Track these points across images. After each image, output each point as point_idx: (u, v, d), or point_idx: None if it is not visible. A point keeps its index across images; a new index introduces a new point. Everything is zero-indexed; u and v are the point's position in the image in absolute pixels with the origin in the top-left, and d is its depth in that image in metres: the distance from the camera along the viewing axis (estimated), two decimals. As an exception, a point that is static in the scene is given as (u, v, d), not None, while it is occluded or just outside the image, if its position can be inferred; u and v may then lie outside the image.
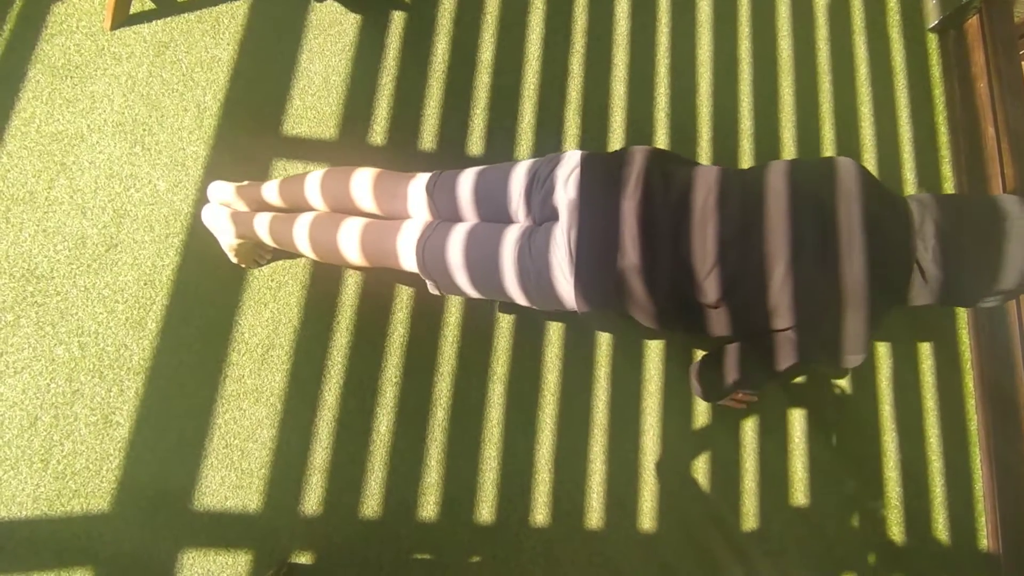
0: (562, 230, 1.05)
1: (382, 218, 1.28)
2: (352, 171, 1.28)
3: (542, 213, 1.12)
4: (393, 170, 1.31)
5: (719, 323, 1.07)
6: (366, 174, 1.27)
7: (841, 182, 0.99)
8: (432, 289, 1.22)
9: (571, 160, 1.09)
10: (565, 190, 1.07)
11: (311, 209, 1.34)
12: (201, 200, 1.51)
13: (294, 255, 1.50)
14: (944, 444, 1.56)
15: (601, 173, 1.07)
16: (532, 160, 1.16)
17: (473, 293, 1.18)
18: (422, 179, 1.24)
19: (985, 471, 1.55)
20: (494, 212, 1.18)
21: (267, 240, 1.33)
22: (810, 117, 1.77)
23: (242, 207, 1.41)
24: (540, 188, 1.11)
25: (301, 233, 1.27)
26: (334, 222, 1.25)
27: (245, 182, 1.42)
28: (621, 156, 1.10)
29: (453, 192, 1.19)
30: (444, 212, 1.21)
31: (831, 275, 0.96)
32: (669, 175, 1.06)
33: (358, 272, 1.51)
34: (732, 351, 1.19)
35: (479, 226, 1.15)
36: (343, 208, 1.30)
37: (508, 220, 1.18)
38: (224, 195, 1.40)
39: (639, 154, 1.09)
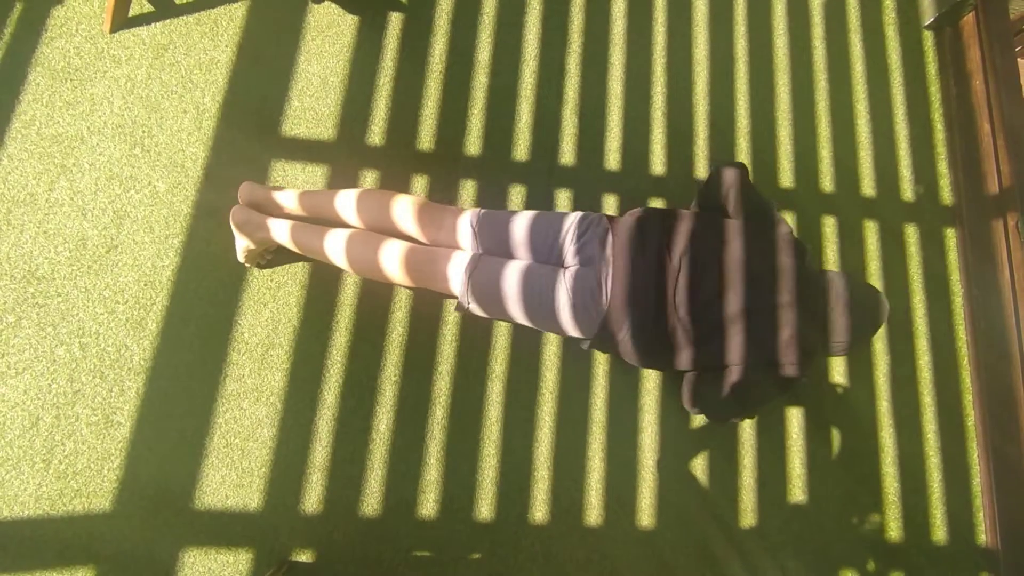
0: (604, 277, 1.28)
1: (424, 244, 1.41)
2: (392, 196, 1.40)
3: (580, 259, 1.33)
4: (393, 172, 1.38)
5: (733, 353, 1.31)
6: (408, 202, 1.39)
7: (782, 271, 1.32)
8: (462, 307, 1.36)
9: (604, 223, 1.34)
10: (603, 248, 1.30)
11: (340, 223, 1.43)
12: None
13: (294, 256, 1.50)
14: (942, 440, 1.56)
15: (634, 240, 1.30)
16: (577, 215, 1.36)
17: (520, 320, 1.37)
18: (468, 215, 1.39)
19: (983, 467, 1.55)
20: (538, 253, 1.37)
21: (289, 246, 1.40)
22: (806, 115, 1.78)
23: (268, 210, 1.45)
24: (580, 239, 1.33)
25: (335, 246, 1.36)
26: (375, 242, 1.36)
27: (273, 186, 1.47)
28: (651, 227, 1.32)
29: (502, 232, 1.37)
30: (488, 246, 1.38)
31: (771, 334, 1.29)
32: (696, 249, 1.32)
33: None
34: (735, 372, 1.33)
35: (533, 266, 1.34)
36: (380, 228, 1.41)
37: (548, 259, 1.37)
38: (253, 196, 1.43)
39: (671, 228, 1.34)
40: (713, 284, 1.28)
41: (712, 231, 1.33)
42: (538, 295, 1.30)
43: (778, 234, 1.37)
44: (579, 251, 1.32)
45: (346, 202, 1.39)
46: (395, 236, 1.40)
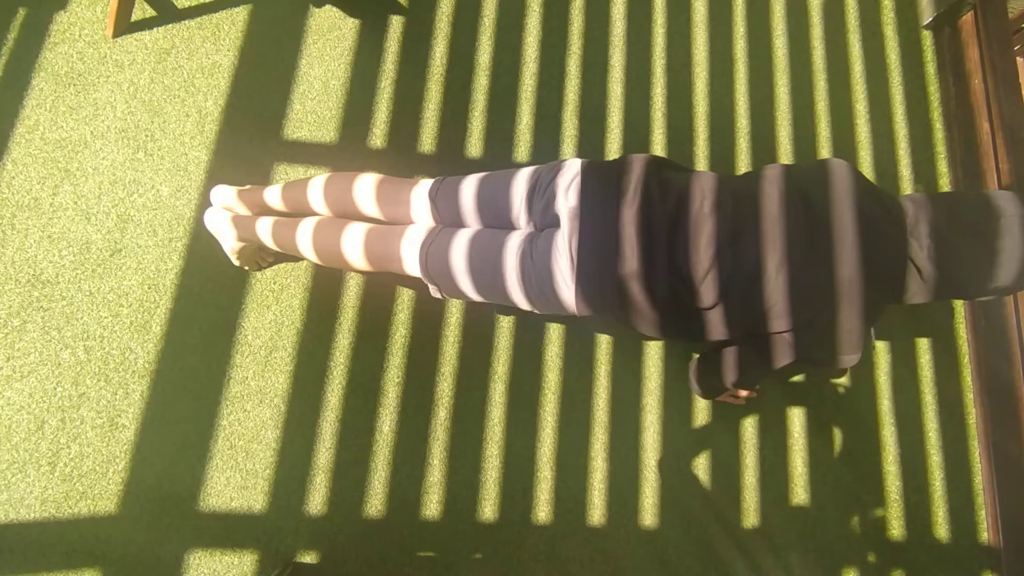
0: (563, 238, 1.07)
1: (385, 223, 1.29)
2: (355, 176, 1.30)
3: (543, 220, 1.14)
4: (395, 174, 1.33)
5: (717, 327, 1.07)
6: (369, 180, 1.28)
7: (834, 184, 1.01)
8: (434, 293, 1.24)
9: (571, 168, 1.12)
10: (566, 198, 1.09)
11: (314, 214, 1.35)
12: (204, 204, 1.52)
13: (296, 258, 1.51)
14: (943, 438, 1.57)
15: (601, 182, 1.08)
16: (533, 168, 1.18)
17: (476, 297, 1.20)
18: (425, 185, 1.25)
19: (984, 465, 1.56)
20: (496, 219, 1.20)
21: (270, 244, 1.35)
22: (806, 115, 1.79)
23: (244, 211, 1.42)
24: (541, 196, 1.13)
25: (304, 237, 1.28)
26: (337, 227, 1.26)
27: (247, 186, 1.44)
28: (620, 164, 1.11)
29: (456, 199, 1.21)
30: (447, 218, 1.23)
31: (825, 275, 0.97)
32: (666, 182, 1.08)
33: (360, 274, 1.53)
34: (730, 352, 1.21)
35: (482, 232, 1.17)
36: (346, 213, 1.32)
37: (510, 226, 1.20)
38: (226, 199, 1.42)
39: (637, 162, 1.10)
40: (745, 234, 1.01)
41: (738, 178, 1.11)
42: (486, 266, 1.12)
43: (828, 166, 1.03)
44: (541, 210, 1.12)
45: (315, 189, 1.32)
46: (359, 219, 1.29)
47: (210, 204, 1.48)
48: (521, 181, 1.16)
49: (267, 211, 1.42)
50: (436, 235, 1.19)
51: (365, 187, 1.27)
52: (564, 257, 1.06)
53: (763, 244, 1.00)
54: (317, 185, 1.32)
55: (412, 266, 1.21)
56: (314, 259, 1.32)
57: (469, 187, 1.21)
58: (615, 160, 1.14)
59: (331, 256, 1.28)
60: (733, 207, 1.04)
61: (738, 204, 1.04)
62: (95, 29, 1.63)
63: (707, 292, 1.03)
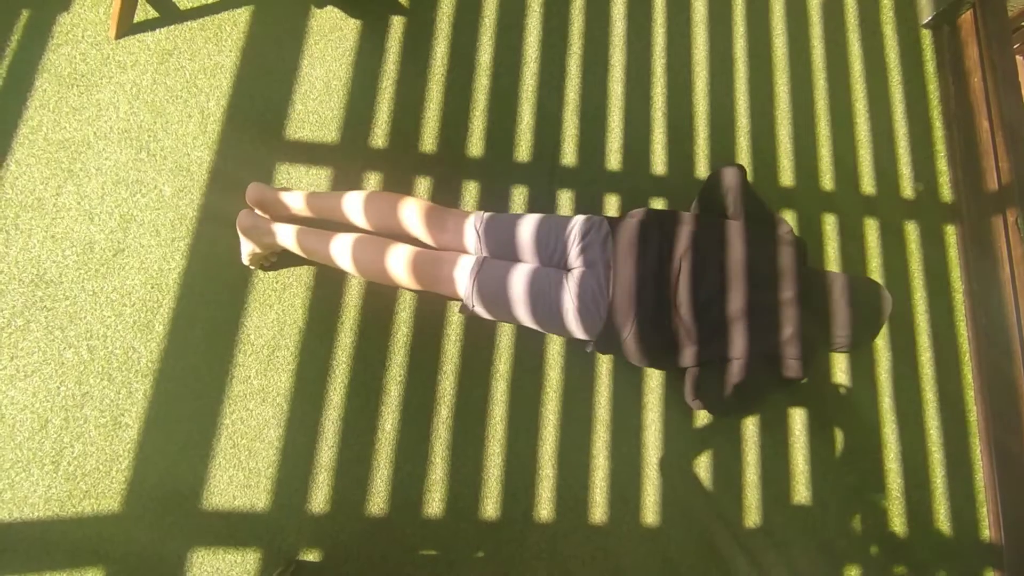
0: (600, 280, 1.30)
1: (427, 246, 1.43)
2: (399, 199, 1.41)
3: (581, 262, 1.34)
4: (396, 174, 1.41)
5: (737, 347, 1.33)
6: (415, 205, 1.40)
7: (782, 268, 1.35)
8: (466, 308, 1.38)
9: (604, 226, 1.35)
10: (603, 250, 1.33)
11: (346, 225, 1.44)
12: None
13: (299, 258, 1.51)
14: (944, 435, 1.57)
15: (628, 241, 1.32)
16: (581, 218, 1.38)
17: (526, 323, 1.38)
18: (473, 218, 1.40)
19: (986, 461, 1.56)
20: (542, 256, 1.38)
21: (294, 250, 1.42)
22: (806, 114, 1.79)
23: (266, 212, 1.46)
24: (582, 242, 1.34)
25: (341, 250, 1.37)
26: (380, 245, 1.38)
27: (277, 187, 1.49)
28: (651, 230, 1.34)
29: (506, 236, 1.38)
30: (493, 250, 1.40)
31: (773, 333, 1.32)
32: (669, 239, 1.34)
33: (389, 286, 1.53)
34: (736, 367, 1.34)
35: (538, 270, 1.35)
36: (387, 231, 1.43)
37: (552, 262, 1.38)
38: (256, 198, 1.44)
39: (670, 231, 1.36)
40: (714, 283, 1.31)
41: (712, 232, 1.36)
42: (543, 298, 1.32)
43: (779, 233, 1.39)
44: (582, 254, 1.34)
45: (352, 204, 1.41)
46: (400, 238, 1.41)
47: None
48: (570, 228, 1.37)
49: (289, 216, 1.47)
50: (483, 265, 1.35)
51: (411, 211, 1.39)
52: (603, 297, 1.30)
53: (781, 297, 1.33)
54: (355, 201, 1.41)
55: (462, 290, 1.35)
56: (349, 271, 1.41)
57: (522, 227, 1.38)
58: (644, 222, 1.35)
59: (372, 272, 1.38)
60: (751, 267, 1.33)
61: (754, 264, 1.34)
62: (98, 30, 1.64)
63: (737, 333, 1.31)
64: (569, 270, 1.36)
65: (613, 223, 1.36)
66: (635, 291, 1.28)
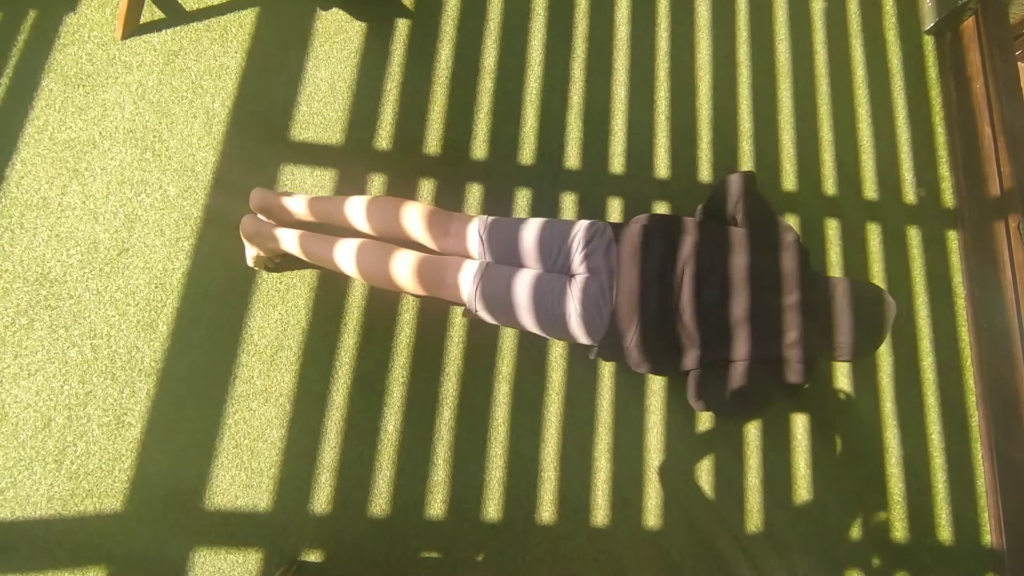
0: (603, 288, 1.31)
1: (432, 251, 1.44)
2: (402, 203, 1.41)
3: (585, 268, 1.35)
4: (400, 176, 1.41)
5: (740, 350, 1.33)
6: (417, 209, 1.40)
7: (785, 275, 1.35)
8: (468, 312, 1.38)
9: (607, 232, 1.35)
10: (606, 259, 1.33)
11: (349, 230, 1.45)
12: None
13: (303, 260, 1.52)
14: (946, 440, 1.57)
15: (631, 248, 1.32)
16: (584, 223, 1.38)
17: (530, 328, 1.37)
18: (477, 222, 1.40)
19: (987, 467, 1.56)
20: (545, 261, 1.38)
21: (298, 255, 1.42)
22: (809, 119, 1.80)
23: (270, 216, 1.47)
24: (586, 248, 1.35)
25: (345, 256, 1.38)
26: (384, 251, 1.38)
27: (279, 192, 1.48)
28: (655, 237, 1.34)
29: (510, 240, 1.38)
30: (496, 255, 1.39)
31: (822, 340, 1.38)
32: (674, 247, 1.34)
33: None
34: (739, 369, 1.35)
35: (542, 275, 1.35)
36: (390, 236, 1.43)
37: (555, 268, 1.38)
38: (260, 203, 1.44)
39: (674, 236, 1.36)
40: (717, 289, 1.31)
41: (716, 239, 1.36)
42: (547, 303, 1.33)
43: (783, 240, 1.39)
44: (585, 260, 1.34)
45: (355, 208, 1.41)
46: (403, 243, 1.42)
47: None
48: (573, 234, 1.36)
49: (292, 220, 1.47)
50: (486, 270, 1.35)
51: (414, 216, 1.39)
52: (606, 303, 1.30)
53: (784, 302, 1.33)
54: (357, 206, 1.41)
55: (465, 295, 1.35)
56: (353, 275, 1.41)
57: (525, 232, 1.38)
58: (648, 229, 1.35)
59: (376, 277, 1.39)
60: (755, 274, 1.33)
61: (759, 271, 1.34)
62: (104, 31, 1.65)
63: (740, 338, 1.32)
64: (573, 276, 1.36)
65: (617, 229, 1.36)
66: (638, 297, 1.29)
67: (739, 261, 1.33)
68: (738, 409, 1.45)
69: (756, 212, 1.41)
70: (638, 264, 1.31)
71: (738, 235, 1.37)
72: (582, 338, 1.35)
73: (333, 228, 1.47)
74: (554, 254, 1.37)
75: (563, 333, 1.36)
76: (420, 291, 1.39)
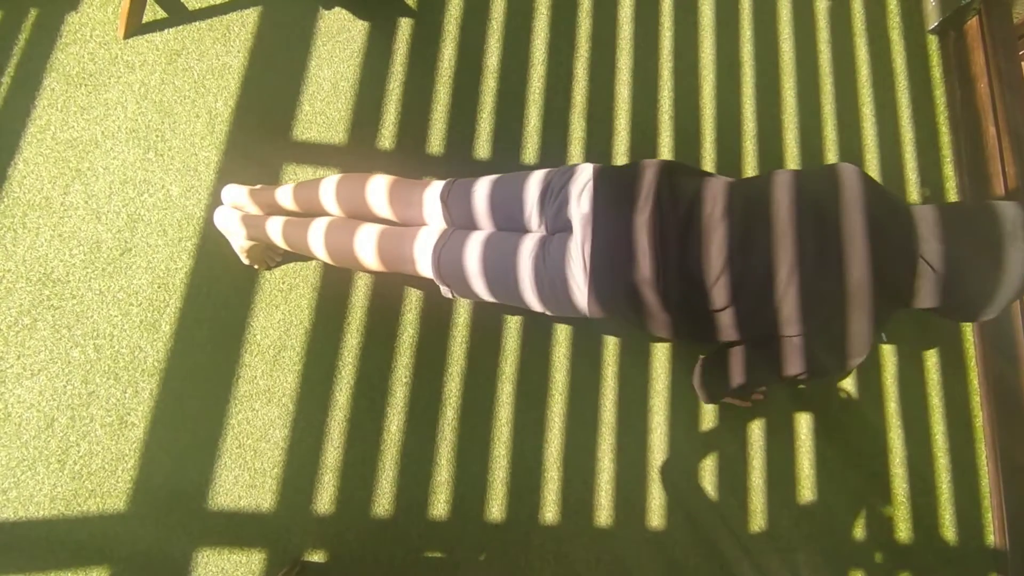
0: (576, 243, 1.08)
1: (397, 224, 1.31)
2: (367, 178, 1.31)
3: (555, 223, 1.16)
4: (404, 175, 1.35)
5: (728, 329, 1.10)
6: (381, 181, 1.30)
7: (844, 189, 1.01)
8: (445, 293, 1.27)
9: (583, 174, 1.13)
10: (579, 204, 1.10)
11: (325, 214, 1.36)
12: (214, 204, 1.53)
13: (305, 257, 1.52)
14: (950, 441, 1.57)
15: (613, 188, 1.10)
16: (545, 171, 1.19)
17: (489, 298, 1.23)
18: (436, 187, 1.27)
19: (991, 467, 1.56)
20: (508, 221, 1.22)
21: (280, 244, 1.36)
22: (812, 118, 1.79)
23: (254, 210, 1.43)
24: (553, 200, 1.14)
25: (316, 238, 1.30)
26: (349, 227, 1.28)
27: (258, 186, 1.45)
28: (632, 170, 1.12)
29: (468, 201, 1.22)
30: (459, 220, 1.25)
31: (835, 279, 0.98)
32: (677, 188, 1.09)
33: (369, 274, 1.53)
34: (737, 354, 1.22)
35: (495, 235, 1.19)
36: (358, 214, 1.33)
37: (522, 229, 1.21)
38: (237, 198, 1.42)
39: (649, 168, 1.11)
40: (720, 236, 1.04)
41: (714, 180, 1.11)
42: (501, 269, 1.14)
43: (837, 169, 1.05)
44: (553, 214, 1.14)
45: (327, 190, 1.33)
46: (372, 220, 1.31)
47: (220, 203, 1.49)
48: (533, 185, 1.18)
49: (278, 210, 1.43)
50: (448, 237, 1.21)
51: (377, 188, 1.29)
52: (577, 263, 1.08)
53: (774, 249, 1.01)
54: (329, 186, 1.34)
55: (425, 267, 1.23)
56: (326, 259, 1.33)
57: (481, 190, 1.22)
58: (627, 166, 1.15)
59: (343, 257, 1.30)
60: (744, 212, 1.05)
61: (749, 209, 1.05)
62: (106, 30, 1.65)
63: (719, 296, 1.04)
64: (537, 233, 1.18)
65: (617, 173, 1.11)
66: (655, 249, 1.03)
67: (783, 198, 1.03)
68: (762, 381, 1.24)
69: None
70: (653, 207, 1.05)
71: (781, 175, 1.08)
72: (542, 308, 1.17)
73: (315, 214, 1.39)
74: (517, 209, 1.18)
75: (527, 304, 1.18)
76: (384, 268, 1.27)
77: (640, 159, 1.26)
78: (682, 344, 1.55)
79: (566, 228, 1.15)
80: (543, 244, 1.14)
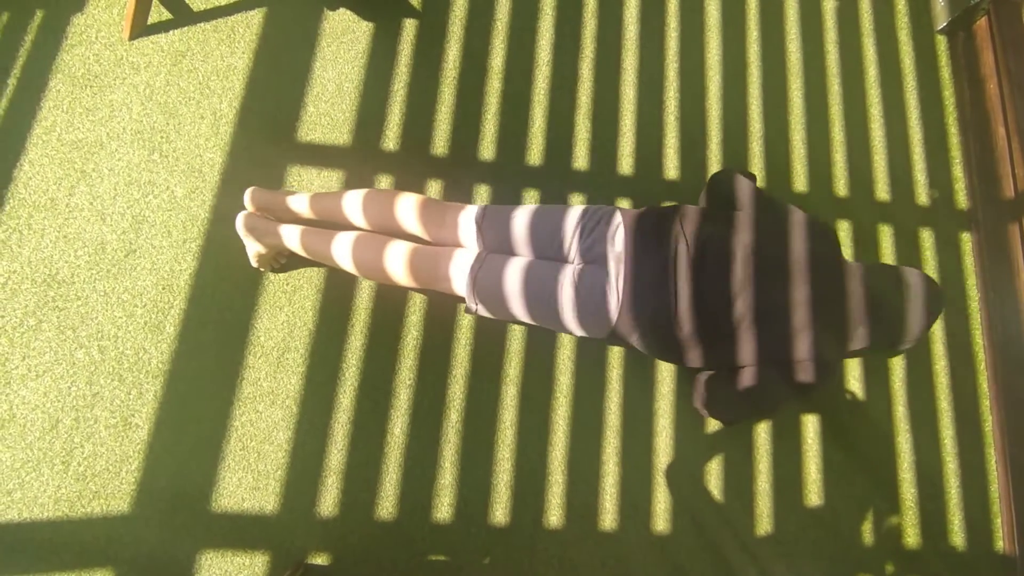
0: (611, 277, 1.24)
1: (427, 243, 1.40)
2: (396, 195, 1.38)
3: (587, 256, 1.30)
4: (407, 176, 1.40)
5: (747, 356, 1.27)
6: (411, 200, 1.37)
7: (832, 245, 1.30)
8: (471, 308, 1.34)
9: (615, 218, 1.29)
10: (612, 244, 1.27)
11: (347, 225, 1.42)
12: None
13: (308, 260, 1.51)
14: (959, 445, 1.55)
15: (642, 234, 1.26)
16: (580, 209, 1.32)
17: (523, 318, 1.33)
18: (471, 211, 1.36)
19: (1000, 472, 1.54)
20: (543, 250, 1.34)
21: (299, 251, 1.40)
22: (820, 120, 1.78)
23: (270, 216, 1.45)
24: (587, 236, 1.29)
25: (342, 250, 1.35)
26: (379, 243, 1.35)
27: (277, 191, 1.47)
28: (658, 215, 1.28)
29: (505, 228, 1.33)
30: (492, 244, 1.35)
31: (839, 336, 1.28)
32: (700, 232, 1.26)
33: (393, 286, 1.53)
34: (749, 374, 1.28)
35: (534, 263, 1.31)
36: (385, 229, 1.40)
37: (555, 258, 1.34)
38: (259, 203, 1.44)
39: (675, 214, 1.28)
40: (728, 282, 1.23)
41: (724, 226, 1.28)
42: (543, 295, 1.27)
43: (792, 221, 1.28)
44: (587, 249, 1.28)
45: (352, 203, 1.39)
46: (400, 236, 1.39)
47: (242, 208, 1.48)
48: (571, 222, 1.31)
49: (292, 218, 1.45)
50: (484, 260, 1.30)
51: (407, 207, 1.36)
52: (612, 293, 1.23)
53: (791, 295, 1.22)
54: (354, 199, 1.38)
55: (460, 287, 1.31)
56: (351, 271, 1.38)
57: (520, 220, 1.33)
58: (653, 210, 1.30)
59: (372, 270, 1.36)
60: (758, 255, 1.23)
61: (762, 252, 1.24)
62: (112, 31, 1.65)
63: (735, 326, 1.23)
64: (571, 264, 1.30)
65: (624, 215, 1.29)
66: (645, 291, 1.21)
67: (747, 246, 1.24)
68: (746, 413, 1.42)
69: (764, 204, 1.33)
70: (645, 254, 1.23)
71: (745, 219, 1.28)
72: (578, 331, 1.30)
73: (333, 224, 1.46)
74: (553, 241, 1.30)
75: (561, 326, 1.31)
76: (415, 284, 1.35)
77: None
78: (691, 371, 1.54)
79: (597, 261, 1.28)
80: (580, 274, 1.26)
